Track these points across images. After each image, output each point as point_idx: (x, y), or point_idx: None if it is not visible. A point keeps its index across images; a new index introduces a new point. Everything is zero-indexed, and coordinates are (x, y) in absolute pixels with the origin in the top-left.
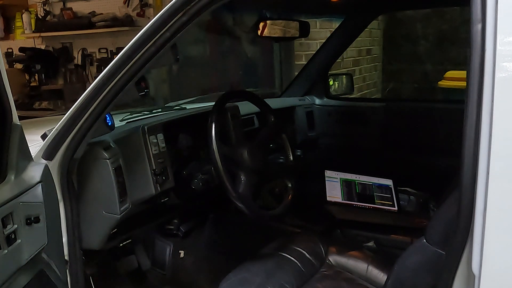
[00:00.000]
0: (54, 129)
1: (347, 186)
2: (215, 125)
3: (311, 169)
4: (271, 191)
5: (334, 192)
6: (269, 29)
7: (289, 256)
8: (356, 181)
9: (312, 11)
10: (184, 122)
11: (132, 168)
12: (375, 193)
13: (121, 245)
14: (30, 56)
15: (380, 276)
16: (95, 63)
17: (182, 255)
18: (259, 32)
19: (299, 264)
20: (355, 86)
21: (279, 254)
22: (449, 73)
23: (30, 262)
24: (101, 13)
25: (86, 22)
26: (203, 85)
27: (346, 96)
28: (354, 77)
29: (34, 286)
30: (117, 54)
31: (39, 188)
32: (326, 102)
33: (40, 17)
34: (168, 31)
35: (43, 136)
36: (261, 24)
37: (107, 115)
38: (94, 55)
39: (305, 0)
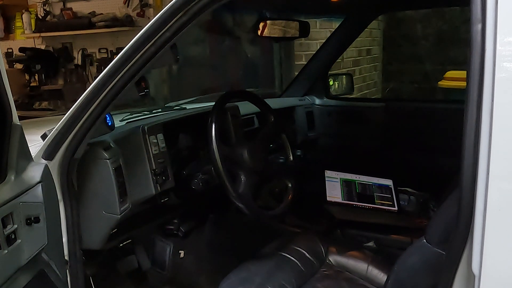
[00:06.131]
0: (54, 129)
1: (347, 186)
2: (215, 125)
3: (311, 169)
4: (271, 191)
5: (334, 192)
6: (269, 29)
7: (289, 256)
8: (356, 181)
9: (312, 11)
10: (184, 122)
11: (132, 168)
12: (375, 193)
13: (121, 245)
14: (30, 56)
15: (380, 276)
16: (95, 63)
17: (182, 255)
18: (259, 32)
19: (299, 264)
20: (355, 86)
21: (279, 254)
22: (449, 73)
23: (30, 262)
24: (101, 13)
25: (86, 22)
26: (203, 85)
27: (346, 96)
28: (354, 77)
29: (34, 286)
30: (117, 54)
31: (39, 188)
32: (326, 102)
33: (40, 17)
34: (168, 31)
35: (43, 136)
36: (261, 24)
37: (107, 115)
38: (94, 55)
39: (305, 0)
